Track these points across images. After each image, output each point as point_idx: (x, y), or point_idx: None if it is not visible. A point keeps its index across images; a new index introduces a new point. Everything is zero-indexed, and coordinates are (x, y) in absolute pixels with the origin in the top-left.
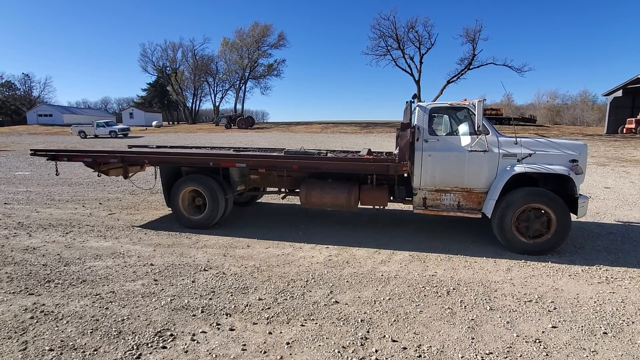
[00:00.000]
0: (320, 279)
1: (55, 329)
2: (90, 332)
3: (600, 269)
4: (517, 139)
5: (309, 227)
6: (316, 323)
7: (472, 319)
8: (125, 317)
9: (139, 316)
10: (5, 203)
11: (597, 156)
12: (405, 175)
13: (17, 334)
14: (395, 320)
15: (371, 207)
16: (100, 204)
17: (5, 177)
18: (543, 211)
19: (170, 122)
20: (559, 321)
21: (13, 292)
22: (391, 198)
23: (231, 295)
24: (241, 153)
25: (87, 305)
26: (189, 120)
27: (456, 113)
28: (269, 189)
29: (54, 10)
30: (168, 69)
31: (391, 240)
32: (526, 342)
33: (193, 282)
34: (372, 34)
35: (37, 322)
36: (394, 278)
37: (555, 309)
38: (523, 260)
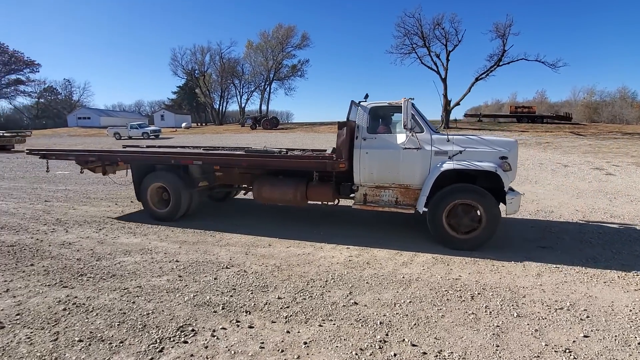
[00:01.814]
0: (340, 280)
1: (85, 320)
2: (118, 325)
3: (637, 275)
4: (449, 136)
5: (330, 228)
6: (334, 324)
7: (498, 326)
8: (150, 312)
9: (163, 311)
10: (45, 201)
11: (637, 156)
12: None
13: (49, 325)
14: (415, 324)
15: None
16: (131, 202)
17: (46, 177)
18: (473, 207)
19: (199, 124)
20: (592, 330)
21: (48, 285)
22: (338, 194)
23: (251, 293)
24: (200, 152)
25: (115, 298)
26: (216, 121)
27: (395, 112)
28: (243, 186)
29: (93, 20)
30: (197, 72)
31: (413, 241)
32: (555, 351)
33: (215, 279)
34: (396, 33)
35: (69, 313)
36: (415, 280)
37: (587, 317)
38: (555, 266)
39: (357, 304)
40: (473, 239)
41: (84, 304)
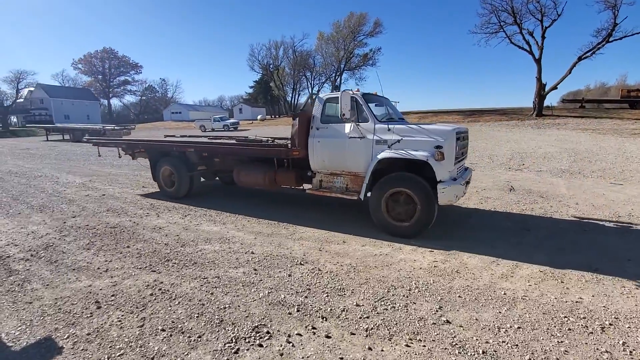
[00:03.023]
0: (426, 290)
1: (169, 308)
2: (197, 317)
3: None
4: (390, 125)
5: None
6: (424, 345)
7: None
8: (227, 305)
9: (238, 306)
10: (143, 187)
11: None
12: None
13: (137, 309)
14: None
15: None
16: (215, 190)
17: (146, 165)
18: (408, 195)
19: (272, 116)
20: None
21: (140, 268)
22: (302, 180)
23: (327, 295)
24: (193, 140)
25: (195, 287)
26: (288, 113)
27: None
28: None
29: (181, 22)
30: (271, 66)
31: (512, 247)
32: None
33: (289, 275)
34: (481, 10)
35: (155, 299)
36: (521, 300)
37: None
38: None
39: (450, 322)
40: (409, 227)
41: (168, 290)
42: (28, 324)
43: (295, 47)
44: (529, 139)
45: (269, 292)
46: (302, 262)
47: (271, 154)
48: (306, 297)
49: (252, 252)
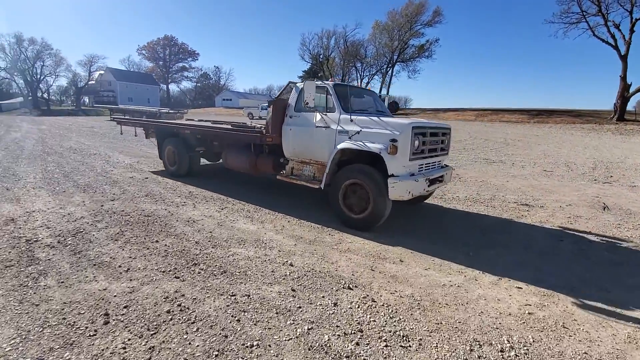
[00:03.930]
0: (527, 354)
1: (184, 337)
2: (215, 356)
3: None
4: (352, 116)
5: (482, 246)
6: None
7: None
8: (255, 343)
9: (269, 346)
10: (198, 173)
11: None
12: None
13: (148, 333)
14: None
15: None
16: (261, 181)
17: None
18: (363, 187)
19: None
20: None
21: (163, 272)
22: (278, 167)
23: (385, 345)
24: (192, 123)
25: (220, 308)
26: None
27: (321, 93)
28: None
29: (237, 12)
30: (321, 56)
31: (635, 288)
32: None
33: (335, 305)
34: None
35: (171, 320)
36: None
37: None
38: None
39: None
40: (363, 219)
41: (188, 308)
42: (24, 337)
43: (347, 37)
44: (611, 147)
45: (309, 329)
46: (350, 286)
47: (249, 139)
48: (357, 343)
49: (291, 264)
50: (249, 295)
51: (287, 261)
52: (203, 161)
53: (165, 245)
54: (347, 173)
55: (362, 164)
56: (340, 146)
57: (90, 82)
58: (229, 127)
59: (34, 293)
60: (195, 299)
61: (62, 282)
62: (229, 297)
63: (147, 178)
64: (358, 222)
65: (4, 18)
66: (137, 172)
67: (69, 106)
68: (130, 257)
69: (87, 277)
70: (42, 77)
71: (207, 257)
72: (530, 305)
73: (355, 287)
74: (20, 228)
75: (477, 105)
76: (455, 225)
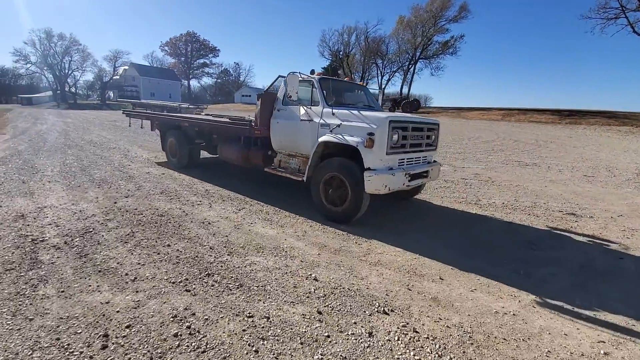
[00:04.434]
0: None
1: None
2: None
3: None
4: (334, 109)
5: (531, 262)
6: None
7: None
8: None
9: None
10: (205, 170)
11: None
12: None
13: None
14: None
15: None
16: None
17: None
18: (342, 180)
19: None
20: None
21: (173, 282)
22: (268, 160)
23: None
24: (189, 116)
25: (236, 333)
26: None
27: (308, 86)
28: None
29: (259, 8)
30: (341, 53)
31: None
32: None
33: (370, 335)
34: None
35: (177, 347)
36: None
37: None
38: None
39: None
40: (342, 212)
41: (199, 331)
42: None
43: (368, 33)
44: None
45: None
46: (386, 310)
47: (239, 132)
48: None
49: (316, 279)
50: (269, 318)
51: (310, 274)
52: (205, 154)
53: (178, 250)
54: (327, 166)
55: (343, 158)
56: (321, 139)
57: (114, 77)
58: (226, 120)
59: (30, 304)
60: (207, 319)
61: (62, 292)
62: (246, 318)
63: (163, 174)
64: (337, 214)
65: (35, 13)
66: (154, 168)
67: (95, 100)
68: (139, 264)
69: (90, 286)
70: (69, 72)
71: (222, 266)
72: (604, 342)
73: (392, 311)
74: (28, 225)
75: (501, 104)
76: (496, 236)
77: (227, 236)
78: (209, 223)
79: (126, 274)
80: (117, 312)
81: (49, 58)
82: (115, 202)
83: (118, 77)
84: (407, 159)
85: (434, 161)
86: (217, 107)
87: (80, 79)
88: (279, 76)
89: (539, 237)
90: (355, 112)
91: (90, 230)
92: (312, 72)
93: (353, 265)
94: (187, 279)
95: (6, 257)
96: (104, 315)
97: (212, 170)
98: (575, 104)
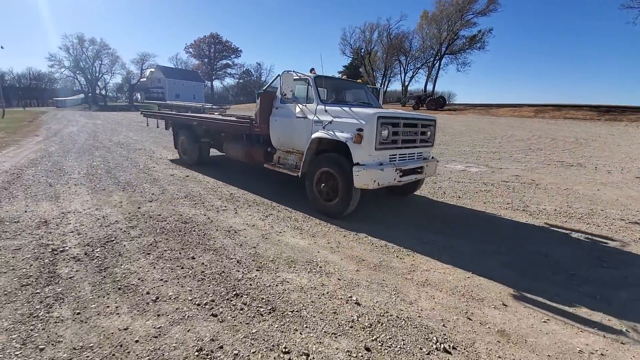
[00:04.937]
0: None
1: None
2: None
3: None
4: (327, 107)
5: (606, 283)
6: None
7: None
8: None
9: None
10: (228, 172)
11: None
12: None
13: None
14: None
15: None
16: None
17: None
18: (334, 176)
19: None
20: None
21: (198, 304)
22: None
23: None
24: (197, 115)
25: None
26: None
27: (305, 85)
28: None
29: (280, 8)
30: (363, 50)
31: None
32: None
33: None
34: None
35: None
36: None
37: None
38: None
39: None
40: (334, 206)
41: None
42: None
43: (390, 29)
44: None
45: None
46: (446, 347)
47: (241, 130)
48: None
49: (357, 302)
50: (309, 355)
51: (351, 297)
52: (214, 152)
53: (203, 264)
54: (319, 161)
55: (335, 153)
56: (314, 135)
57: (142, 80)
58: (229, 118)
59: (43, 329)
60: (236, 355)
61: (78, 314)
62: (282, 355)
63: (187, 176)
64: (329, 208)
65: (69, 19)
66: (178, 170)
67: (123, 102)
68: (162, 280)
69: (108, 306)
70: (100, 75)
71: (251, 284)
72: None
73: (454, 349)
74: (50, 233)
75: (531, 100)
76: (556, 250)
77: (254, 247)
78: (235, 232)
79: (147, 293)
80: (136, 341)
81: (81, 62)
82: (138, 207)
83: (145, 79)
84: (400, 154)
85: (432, 158)
86: (239, 107)
87: (109, 81)
88: (278, 75)
89: (606, 251)
90: (346, 108)
91: (112, 239)
92: (312, 70)
93: (398, 286)
94: (213, 300)
95: (24, 270)
96: (121, 345)
97: (237, 172)
98: (610, 100)
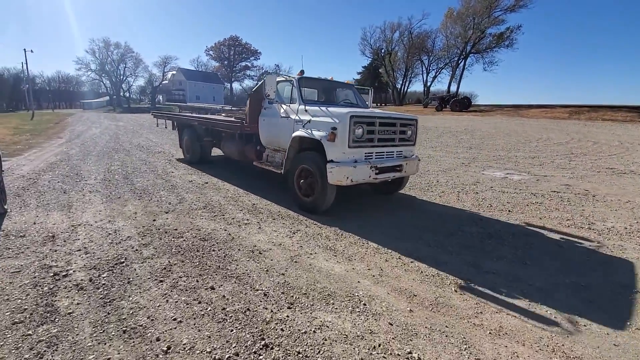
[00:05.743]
0: None
1: None
2: None
3: None
4: (307, 107)
5: None
6: None
7: None
8: None
9: None
10: (251, 178)
11: None
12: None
13: None
14: None
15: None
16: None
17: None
18: (312, 172)
19: (378, 104)
20: None
21: (219, 359)
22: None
23: None
24: (197, 115)
25: None
26: (396, 101)
27: (290, 85)
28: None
29: (299, 9)
30: (383, 50)
31: None
32: None
33: None
34: None
35: None
36: None
37: None
38: None
39: None
40: (311, 202)
41: None
42: None
43: (412, 29)
44: None
45: None
46: None
47: (233, 129)
48: None
49: None
50: None
51: (410, 352)
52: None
53: (224, 296)
54: (299, 159)
55: (314, 151)
56: (294, 134)
57: (164, 82)
58: (224, 118)
59: None
60: None
61: None
62: None
63: (206, 183)
64: (308, 204)
65: (95, 24)
66: (197, 176)
67: (146, 104)
68: (175, 319)
69: (109, 358)
70: (124, 78)
71: (282, 329)
72: None
73: None
74: (55, 251)
75: (561, 101)
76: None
77: (283, 274)
78: (260, 252)
79: (157, 339)
80: None
81: (106, 65)
82: (154, 220)
83: (167, 81)
84: (377, 152)
85: (414, 156)
86: None
87: (133, 84)
88: (264, 77)
89: None
90: (324, 108)
91: (122, 260)
92: (302, 72)
93: (467, 336)
94: (237, 354)
95: (19, 300)
96: None
97: (258, 179)
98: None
